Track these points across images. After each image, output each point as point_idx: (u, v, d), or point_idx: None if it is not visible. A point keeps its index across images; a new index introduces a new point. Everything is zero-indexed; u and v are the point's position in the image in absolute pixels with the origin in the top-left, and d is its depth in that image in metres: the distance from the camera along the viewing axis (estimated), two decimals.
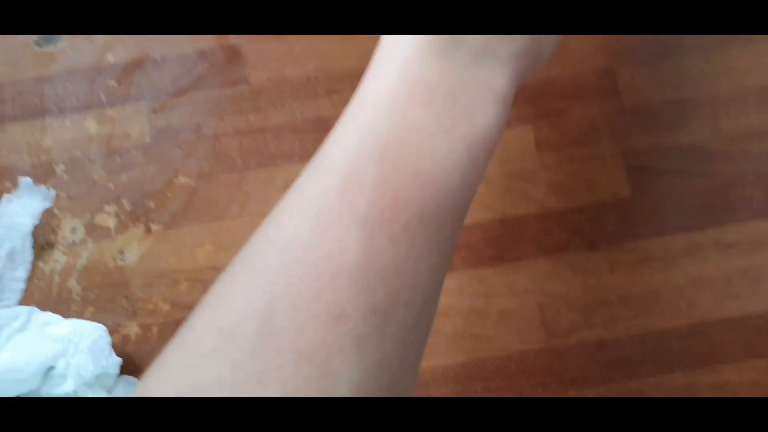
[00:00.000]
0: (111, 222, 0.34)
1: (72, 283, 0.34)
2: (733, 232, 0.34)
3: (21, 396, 0.32)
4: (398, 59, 0.23)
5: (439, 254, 0.22)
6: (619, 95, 0.35)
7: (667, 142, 0.34)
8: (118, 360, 0.32)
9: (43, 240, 0.34)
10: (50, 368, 0.31)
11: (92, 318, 0.33)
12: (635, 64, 0.35)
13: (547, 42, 0.26)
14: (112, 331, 0.33)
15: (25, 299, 0.33)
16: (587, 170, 0.34)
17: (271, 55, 0.34)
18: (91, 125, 0.34)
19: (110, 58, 0.35)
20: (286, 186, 0.34)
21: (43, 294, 0.34)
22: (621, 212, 0.34)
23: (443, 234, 0.22)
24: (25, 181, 0.34)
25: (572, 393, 0.33)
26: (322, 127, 0.34)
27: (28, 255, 0.34)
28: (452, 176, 0.22)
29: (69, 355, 0.31)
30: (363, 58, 0.34)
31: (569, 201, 0.34)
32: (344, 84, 0.34)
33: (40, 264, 0.34)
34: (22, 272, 0.34)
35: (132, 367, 0.33)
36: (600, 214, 0.34)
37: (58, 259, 0.34)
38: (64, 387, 0.31)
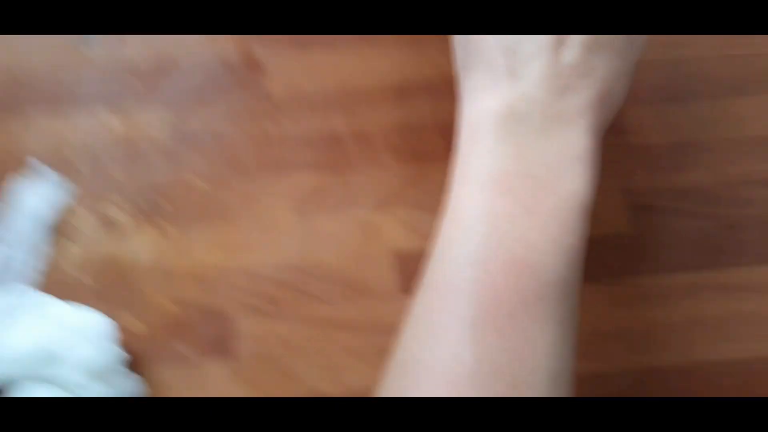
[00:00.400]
0: (126, 219, 0.35)
1: (83, 276, 0.35)
2: (734, 275, 0.34)
3: (21, 378, 0.32)
4: (474, 157, 0.25)
5: (556, 328, 0.23)
6: (625, 133, 0.36)
7: (672, 183, 0.35)
8: (122, 354, 0.33)
9: (58, 231, 0.35)
10: (52, 355, 0.32)
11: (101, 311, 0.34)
12: (644, 104, 0.36)
13: (617, 85, 0.26)
14: (118, 327, 0.34)
15: (40, 287, 0.34)
16: None
17: (293, 70, 0.36)
18: (115, 124, 0.36)
19: (139, 62, 0.36)
20: (295, 195, 0.35)
21: (54, 284, 0.34)
22: (622, 248, 0.35)
23: (555, 309, 0.23)
24: (46, 171, 0.35)
25: None
26: (334, 141, 0.35)
27: (42, 244, 0.35)
28: (547, 253, 0.23)
29: (72, 343, 0.32)
30: (381, 78, 0.36)
31: None
32: (360, 103, 0.35)
33: (54, 254, 0.35)
34: (35, 261, 0.34)
35: (134, 364, 0.34)
36: (601, 248, 0.35)
37: (71, 250, 0.35)
38: (65, 374, 0.32)
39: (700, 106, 0.36)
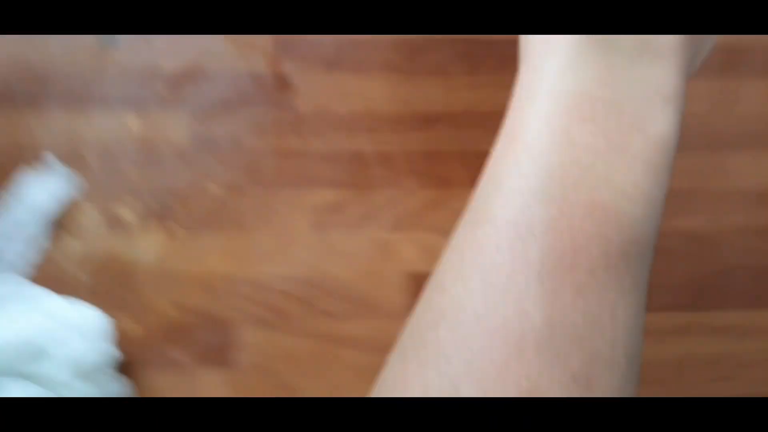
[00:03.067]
0: (133, 218, 0.34)
1: (82, 272, 0.33)
2: (725, 317, 0.36)
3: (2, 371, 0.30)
4: (548, 72, 0.21)
5: (636, 297, 0.19)
6: None
7: (669, 226, 0.37)
8: (115, 353, 0.31)
9: (61, 225, 0.34)
10: (39, 349, 0.30)
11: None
12: None
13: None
14: (113, 326, 0.32)
15: (34, 281, 0.33)
16: None
17: (321, 88, 0.36)
18: (133, 123, 0.35)
19: (164, 65, 0.36)
20: (313, 209, 0.35)
21: (52, 279, 0.33)
22: None
23: (636, 273, 0.19)
24: (57, 166, 0.34)
25: None
26: (357, 160, 0.36)
27: (43, 238, 0.33)
28: (635, 202, 0.19)
29: (64, 338, 0.30)
30: (408, 105, 0.37)
31: None
32: (384, 125, 0.36)
33: (54, 248, 0.33)
34: (34, 254, 0.33)
35: (126, 367, 0.32)
36: None
37: (72, 245, 0.33)
38: (50, 371, 0.30)
39: (696, 156, 0.38)
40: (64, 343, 0.30)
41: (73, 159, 0.34)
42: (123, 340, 0.33)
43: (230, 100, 0.36)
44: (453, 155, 0.36)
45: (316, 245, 0.35)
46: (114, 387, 0.32)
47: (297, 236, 0.35)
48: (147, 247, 0.34)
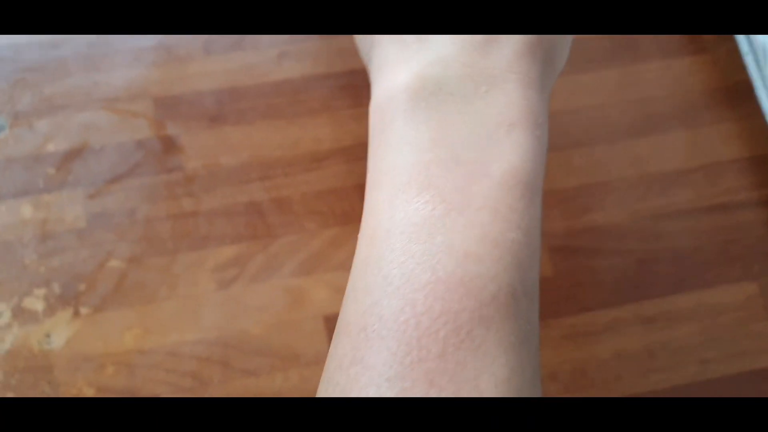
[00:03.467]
0: (39, 305, 0.34)
1: None
2: (651, 306, 0.35)
3: None
4: (387, 149, 0.21)
5: (510, 355, 0.18)
6: None
7: (584, 223, 0.36)
8: None
9: None
10: None
11: None
12: (549, 151, 0.37)
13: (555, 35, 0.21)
14: None
15: None
16: None
17: (207, 144, 0.36)
18: (26, 210, 0.35)
19: (50, 147, 0.36)
20: (216, 268, 0.35)
21: None
22: (544, 291, 0.35)
23: (505, 331, 0.18)
24: None
25: None
26: (254, 210, 0.35)
27: None
28: (482, 260, 0.18)
29: None
30: (295, 146, 0.36)
31: None
32: (276, 170, 0.36)
33: None
34: None
35: None
36: None
37: None
38: None
39: (601, 149, 0.38)
40: None
41: None
42: None
43: (120, 170, 0.36)
44: (349, 189, 0.35)
45: (225, 304, 0.34)
46: None
47: (204, 298, 0.34)
48: (57, 332, 0.34)
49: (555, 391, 0.34)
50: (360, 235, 0.21)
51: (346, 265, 0.35)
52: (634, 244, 0.36)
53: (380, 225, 0.20)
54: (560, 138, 0.38)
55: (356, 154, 0.36)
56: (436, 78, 0.20)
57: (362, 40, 0.25)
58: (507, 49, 0.20)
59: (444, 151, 0.20)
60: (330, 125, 0.36)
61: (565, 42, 0.23)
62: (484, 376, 0.18)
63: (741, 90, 0.39)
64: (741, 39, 0.38)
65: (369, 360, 0.18)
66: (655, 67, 0.39)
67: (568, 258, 0.36)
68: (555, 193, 0.37)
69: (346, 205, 0.35)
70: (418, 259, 0.18)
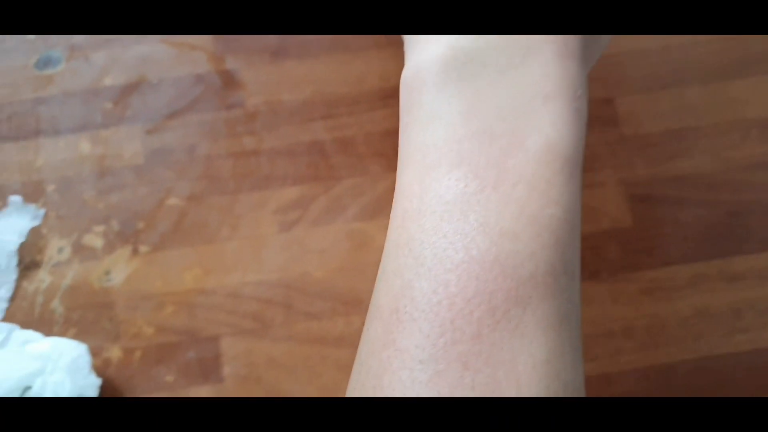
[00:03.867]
0: (98, 242, 0.33)
1: (55, 304, 0.33)
2: (740, 263, 0.33)
3: None
4: (416, 127, 0.20)
5: (549, 337, 0.18)
6: (618, 124, 0.34)
7: (670, 171, 0.34)
8: (97, 381, 0.31)
9: (28, 259, 0.33)
10: (27, 387, 0.30)
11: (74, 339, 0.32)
12: (634, 93, 0.35)
13: None
14: (93, 354, 0.32)
15: (7, 318, 0.32)
16: (588, 199, 0.33)
17: (268, 80, 0.34)
18: (84, 146, 0.34)
19: (107, 81, 0.35)
20: (278, 210, 0.33)
21: (25, 314, 0.33)
22: (623, 241, 0.33)
23: (543, 311, 0.18)
24: (15, 199, 0.33)
25: None
26: (316, 150, 0.34)
27: (12, 274, 0.33)
28: (518, 237, 0.18)
29: (47, 374, 0.30)
30: (358, 84, 0.34)
31: None
32: (340, 108, 0.34)
33: (24, 283, 0.33)
34: (5, 291, 0.33)
35: (111, 390, 0.32)
36: (601, 243, 0.33)
37: (42, 278, 0.33)
38: None
39: (691, 91, 0.35)
40: (47, 380, 0.30)
41: (33, 193, 0.34)
42: (105, 367, 0.32)
43: (178, 105, 0.34)
44: None
45: (287, 246, 0.33)
46: None
47: (266, 240, 0.33)
48: (117, 270, 0.33)
49: (629, 349, 0.32)
50: (391, 218, 0.21)
51: None
52: (723, 195, 0.33)
53: (411, 206, 0.19)
54: (646, 79, 0.35)
55: None
56: (468, 49, 0.19)
57: None
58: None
59: (476, 125, 0.19)
60: (397, 60, 0.34)
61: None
62: (522, 358, 0.17)
63: None
64: None
65: (401, 343, 0.18)
66: None
67: (650, 208, 0.33)
68: (639, 138, 0.34)
69: None
70: (451, 239, 0.18)
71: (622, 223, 0.33)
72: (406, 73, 0.21)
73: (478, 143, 0.18)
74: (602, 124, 0.34)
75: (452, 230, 0.18)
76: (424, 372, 0.17)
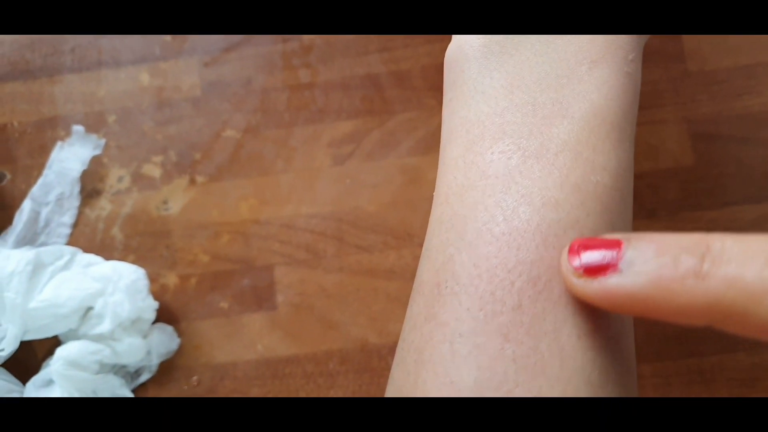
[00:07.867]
0: (157, 172, 0.34)
1: (115, 231, 0.34)
2: None
3: (60, 335, 0.32)
4: (457, 103, 0.20)
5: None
6: (684, 60, 0.33)
7: (735, 109, 0.32)
8: (155, 303, 0.32)
9: (90, 187, 0.34)
10: (89, 308, 0.31)
11: None
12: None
13: None
14: (151, 280, 0.33)
15: (70, 243, 0.33)
16: (649, 135, 0.33)
17: None
18: (144, 77, 0.35)
19: None
20: (332, 143, 0.33)
21: (87, 240, 0.34)
22: (683, 180, 0.32)
23: None
24: (78, 129, 0.34)
25: None
26: (371, 83, 0.34)
27: (75, 201, 0.34)
28: (561, 206, 0.17)
29: (108, 295, 0.31)
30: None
31: None
32: (396, 41, 0.34)
33: (86, 210, 0.34)
34: (68, 218, 0.34)
35: (168, 316, 0.33)
36: (661, 182, 0.32)
37: (103, 206, 0.34)
38: (101, 327, 0.31)
39: None
40: (108, 301, 0.31)
41: (92, 121, 0.35)
42: (163, 292, 0.33)
43: (235, 39, 0.35)
44: None
45: (340, 180, 0.33)
46: (161, 338, 0.32)
47: (319, 172, 0.33)
48: (174, 199, 0.34)
49: None
50: (435, 194, 0.21)
51: None
52: None
53: (455, 181, 0.19)
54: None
55: None
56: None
57: None
58: None
59: (519, 96, 0.19)
60: None
61: None
62: (565, 329, 0.17)
63: None
64: None
65: (442, 316, 0.18)
66: None
67: (713, 146, 0.32)
68: (705, 74, 0.33)
69: None
70: (492, 212, 0.18)
71: (683, 161, 0.32)
72: (449, 50, 0.21)
73: (521, 114, 0.18)
74: (666, 60, 0.33)
75: (494, 203, 0.18)
76: (464, 345, 0.17)
